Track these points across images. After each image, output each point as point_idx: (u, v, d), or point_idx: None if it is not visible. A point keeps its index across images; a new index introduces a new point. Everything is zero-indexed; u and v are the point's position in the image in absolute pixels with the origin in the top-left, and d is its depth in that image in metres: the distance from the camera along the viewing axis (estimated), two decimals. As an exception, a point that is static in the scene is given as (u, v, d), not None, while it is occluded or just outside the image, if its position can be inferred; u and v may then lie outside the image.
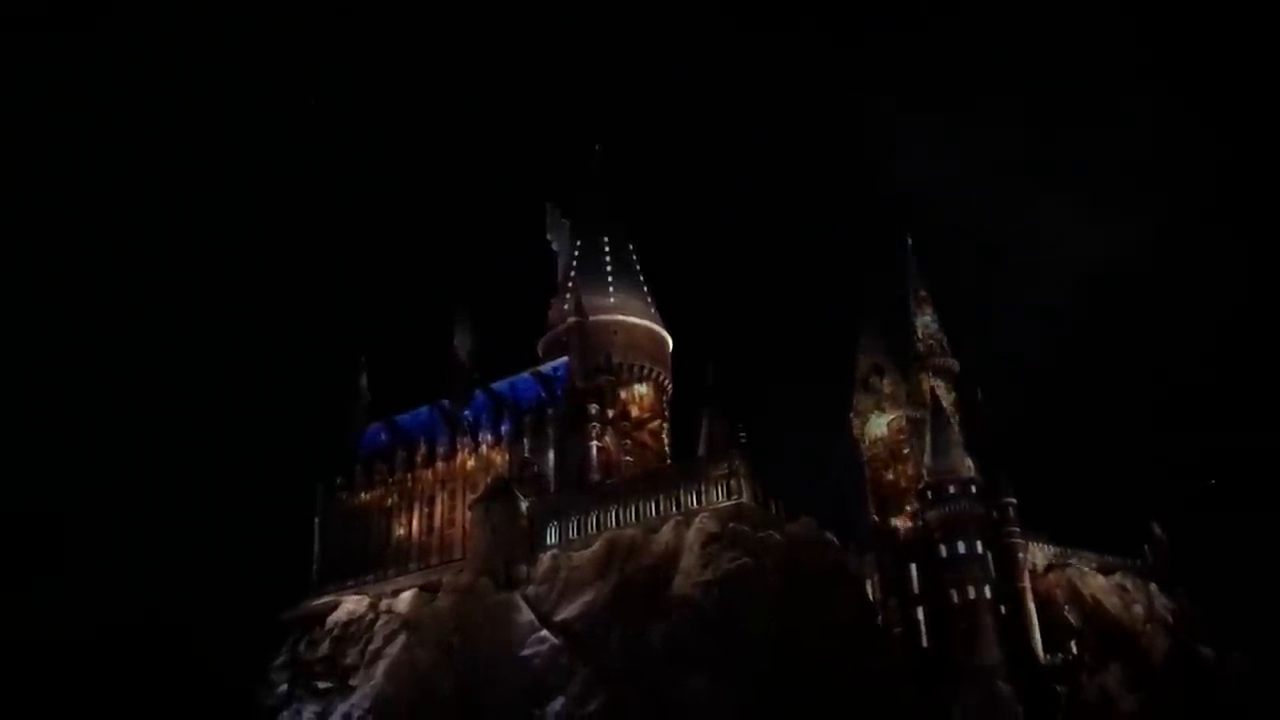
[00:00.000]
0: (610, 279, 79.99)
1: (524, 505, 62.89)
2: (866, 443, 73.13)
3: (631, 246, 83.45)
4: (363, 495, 72.27)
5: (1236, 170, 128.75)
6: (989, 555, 64.35)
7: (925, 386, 71.85)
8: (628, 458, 69.23)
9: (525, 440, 67.37)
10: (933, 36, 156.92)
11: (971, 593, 62.73)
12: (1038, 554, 69.50)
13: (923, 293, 77.73)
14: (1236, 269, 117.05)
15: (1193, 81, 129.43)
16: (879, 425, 72.88)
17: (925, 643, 64.03)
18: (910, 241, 79.59)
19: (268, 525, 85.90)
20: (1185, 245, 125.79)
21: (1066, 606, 67.02)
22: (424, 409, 75.35)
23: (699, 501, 58.12)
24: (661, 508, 59.15)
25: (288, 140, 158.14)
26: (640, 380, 76.88)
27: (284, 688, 64.88)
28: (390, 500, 70.98)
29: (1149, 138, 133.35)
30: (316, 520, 72.93)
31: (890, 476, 71.30)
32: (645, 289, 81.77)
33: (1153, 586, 72.51)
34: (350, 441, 76.10)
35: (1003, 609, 63.51)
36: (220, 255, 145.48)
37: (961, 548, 63.91)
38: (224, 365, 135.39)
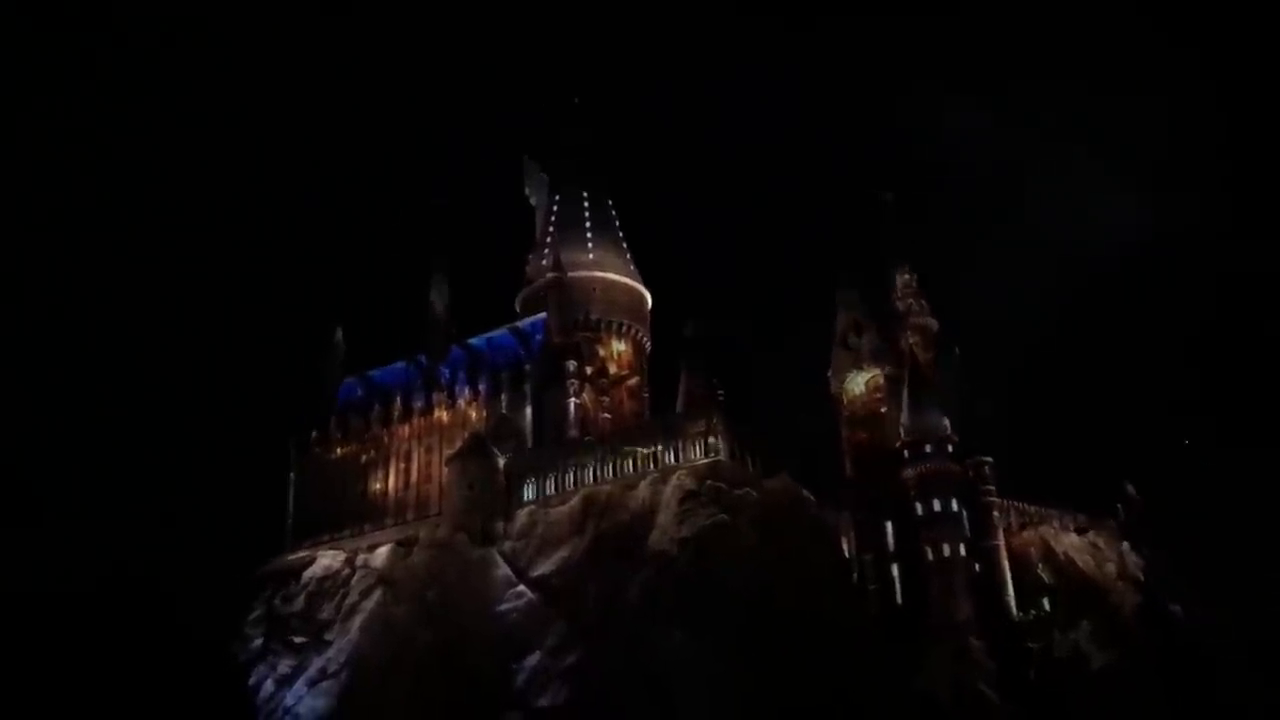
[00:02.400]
0: (589, 235, 79.56)
1: (501, 461, 62.73)
2: (845, 400, 73.13)
3: (610, 202, 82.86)
4: (338, 450, 71.93)
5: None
6: (964, 513, 64.72)
7: (903, 345, 71.74)
8: (605, 415, 69.15)
9: (502, 396, 67.08)
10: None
11: (946, 550, 63.09)
12: (1012, 512, 69.97)
13: (903, 250, 77.25)
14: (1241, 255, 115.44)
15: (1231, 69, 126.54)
16: (857, 383, 72.86)
17: (899, 599, 64.47)
18: (891, 198, 78.92)
19: (243, 480, 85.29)
20: (1206, 233, 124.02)
21: (1039, 564, 67.61)
22: (400, 364, 74.92)
23: (676, 458, 58.10)
24: (639, 464, 59.16)
25: (263, 96, 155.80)
26: (619, 337, 76.78)
27: (259, 642, 64.92)
28: (366, 456, 70.67)
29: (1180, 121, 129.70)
30: (291, 475, 72.67)
31: (867, 434, 71.40)
32: (624, 245, 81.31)
33: (1125, 545, 73.31)
34: (326, 396, 75.65)
35: (977, 566, 64.01)
36: (194, 210, 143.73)
37: (937, 506, 64.19)
38: (199, 319, 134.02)
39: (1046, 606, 65.54)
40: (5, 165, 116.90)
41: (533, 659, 54.29)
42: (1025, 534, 69.72)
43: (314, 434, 72.92)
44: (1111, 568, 70.97)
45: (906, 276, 75.49)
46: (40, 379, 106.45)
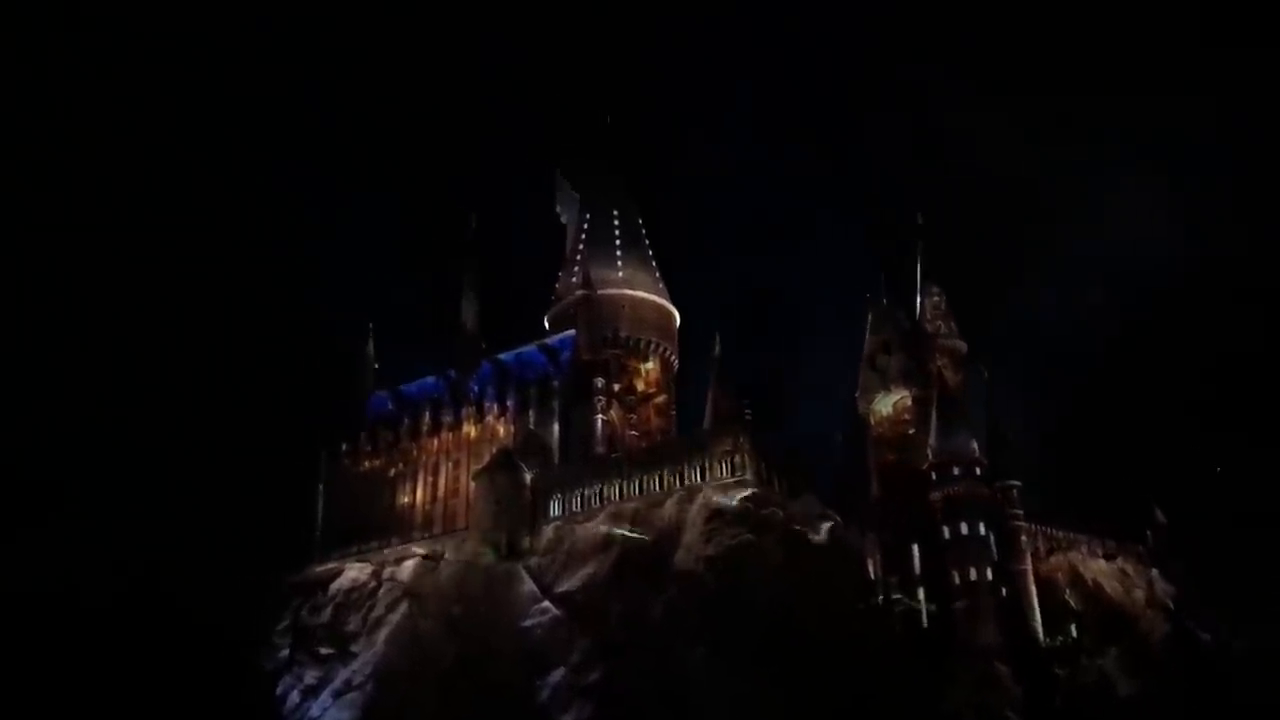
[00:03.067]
0: (619, 252, 79.86)
1: (528, 477, 62.99)
2: (872, 421, 72.91)
3: (641, 220, 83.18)
4: (367, 463, 72.50)
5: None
6: (991, 537, 64.31)
7: (932, 366, 71.53)
8: (633, 432, 69.47)
9: (530, 412, 67.42)
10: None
11: (973, 574, 62.63)
12: (1039, 537, 69.51)
13: (933, 271, 77.09)
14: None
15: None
16: (885, 404, 72.59)
17: (925, 622, 64.06)
18: (921, 218, 78.85)
19: (272, 490, 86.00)
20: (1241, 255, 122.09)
21: (1067, 590, 67.13)
22: (430, 378, 75.48)
23: (702, 477, 58.13)
24: (665, 483, 59.25)
25: (295, 103, 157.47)
26: (647, 355, 76.93)
27: (285, 652, 65.43)
28: (395, 469, 71.20)
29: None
30: (321, 486, 73.23)
31: (894, 456, 71.12)
32: (654, 263, 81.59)
33: (1154, 571, 72.65)
34: (356, 408, 76.25)
35: (1004, 591, 63.56)
36: (226, 217, 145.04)
37: (964, 529, 63.75)
38: (233, 330, 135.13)
39: (1074, 632, 64.97)
40: (52, 155, 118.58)
41: (556, 675, 54.44)
42: (1053, 559, 69.18)
43: (344, 446, 73.52)
44: (1140, 594, 70.35)
45: (936, 298, 75.29)
46: (71, 386, 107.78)
